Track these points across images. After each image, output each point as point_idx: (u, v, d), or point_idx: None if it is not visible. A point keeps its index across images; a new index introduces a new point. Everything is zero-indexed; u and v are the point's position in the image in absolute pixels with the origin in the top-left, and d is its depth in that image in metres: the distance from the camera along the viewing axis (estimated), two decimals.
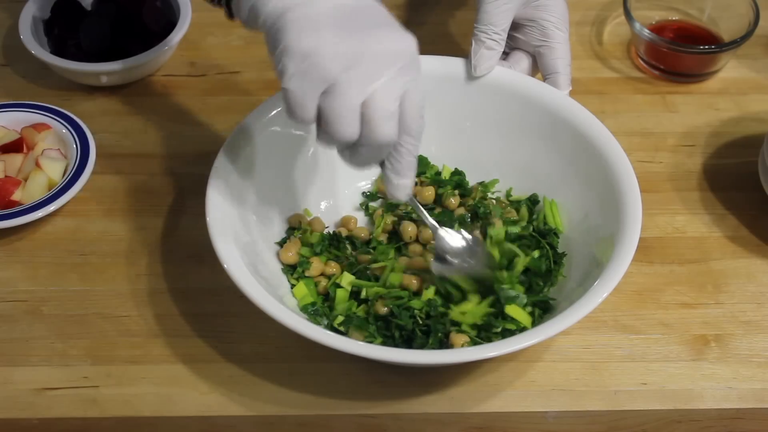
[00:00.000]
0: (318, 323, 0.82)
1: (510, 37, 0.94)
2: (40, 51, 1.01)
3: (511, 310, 0.81)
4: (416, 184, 0.92)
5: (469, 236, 0.84)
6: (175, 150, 0.99)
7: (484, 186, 0.93)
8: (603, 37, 1.11)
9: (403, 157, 0.74)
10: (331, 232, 0.89)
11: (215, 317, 0.85)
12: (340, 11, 0.71)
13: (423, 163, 0.94)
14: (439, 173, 0.94)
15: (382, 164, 0.75)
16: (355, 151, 0.73)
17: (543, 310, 0.83)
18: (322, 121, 0.71)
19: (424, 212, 0.83)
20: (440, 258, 0.83)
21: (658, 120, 1.02)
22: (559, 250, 0.87)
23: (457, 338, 0.80)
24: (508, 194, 0.92)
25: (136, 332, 0.85)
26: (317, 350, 0.77)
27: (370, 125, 0.71)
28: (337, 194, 0.93)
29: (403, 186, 0.76)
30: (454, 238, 0.83)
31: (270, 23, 0.71)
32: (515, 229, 0.87)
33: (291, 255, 0.86)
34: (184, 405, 0.80)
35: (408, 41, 0.72)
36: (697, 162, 0.98)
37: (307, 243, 0.87)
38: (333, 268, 0.86)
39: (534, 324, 0.81)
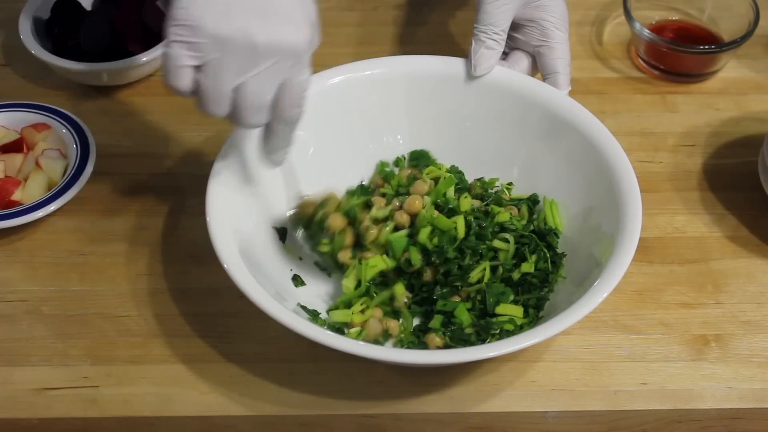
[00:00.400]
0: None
1: (510, 37, 0.94)
2: (40, 51, 1.01)
3: (502, 308, 0.81)
4: (414, 177, 0.91)
5: None
6: (175, 150, 0.99)
7: (483, 183, 0.92)
8: (603, 37, 1.11)
9: (276, 137, 0.79)
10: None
11: (215, 317, 0.85)
12: None
13: (424, 156, 0.94)
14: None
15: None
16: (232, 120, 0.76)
17: (537, 309, 0.83)
18: (196, 93, 0.74)
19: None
20: None
21: (658, 120, 1.02)
22: (559, 250, 0.87)
23: (433, 339, 0.81)
24: (507, 189, 0.92)
25: (136, 332, 0.85)
26: (317, 350, 0.77)
27: (237, 112, 0.74)
28: (338, 193, 0.93)
29: (273, 161, 0.82)
30: None
31: None
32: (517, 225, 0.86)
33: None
34: (184, 405, 0.80)
35: (299, 35, 0.73)
36: (697, 162, 0.98)
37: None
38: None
39: (530, 321, 0.81)
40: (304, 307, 0.84)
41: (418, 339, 0.83)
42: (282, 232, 0.89)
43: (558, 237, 0.87)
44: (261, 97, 0.74)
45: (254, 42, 0.71)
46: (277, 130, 0.78)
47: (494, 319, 0.81)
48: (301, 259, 0.89)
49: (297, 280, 0.87)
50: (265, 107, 0.75)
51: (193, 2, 0.71)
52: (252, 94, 0.73)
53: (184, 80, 0.73)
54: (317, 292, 0.87)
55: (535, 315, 0.82)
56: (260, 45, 0.71)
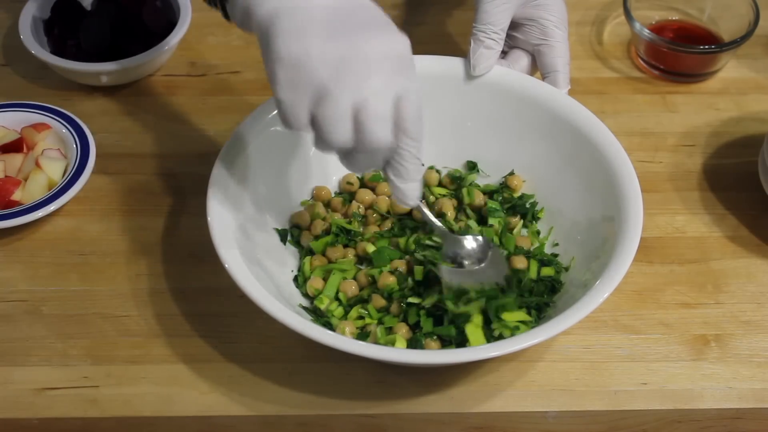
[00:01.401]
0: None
1: (509, 36, 0.94)
2: (40, 51, 1.01)
3: (507, 315, 0.80)
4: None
5: (480, 238, 0.84)
6: (175, 150, 0.99)
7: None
8: (603, 37, 1.11)
9: (405, 160, 0.73)
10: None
11: (215, 317, 0.85)
12: (332, 14, 0.70)
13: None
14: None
15: (385, 169, 0.75)
16: (351, 156, 0.72)
17: (539, 311, 0.83)
18: (315, 127, 0.70)
19: (432, 216, 0.82)
20: (450, 260, 0.83)
21: (658, 120, 1.02)
22: (559, 250, 0.87)
23: (431, 343, 0.80)
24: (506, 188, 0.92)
25: (136, 332, 0.85)
26: (317, 350, 0.77)
27: (363, 130, 0.69)
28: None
29: (410, 190, 0.75)
30: (467, 241, 0.83)
31: (262, 28, 0.70)
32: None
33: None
34: (184, 405, 0.80)
35: (401, 42, 0.71)
36: (697, 162, 0.98)
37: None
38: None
39: (533, 324, 0.81)
40: (305, 308, 0.84)
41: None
42: (283, 234, 0.89)
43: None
44: (383, 107, 0.69)
45: (365, 54, 0.68)
46: (405, 146, 0.72)
47: (504, 329, 0.80)
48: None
49: (298, 280, 0.87)
50: (388, 119, 0.70)
51: (289, 38, 0.68)
52: (374, 105, 0.69)
53: (304, 119, 0.69)
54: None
55: (536, 316, 0.82)
56: (371, 55, 0.69)
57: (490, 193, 0.92)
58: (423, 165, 0.77)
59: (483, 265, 0.83)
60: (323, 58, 0.68)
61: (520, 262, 0.85)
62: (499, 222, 0.88)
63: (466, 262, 0.83)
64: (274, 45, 0.69)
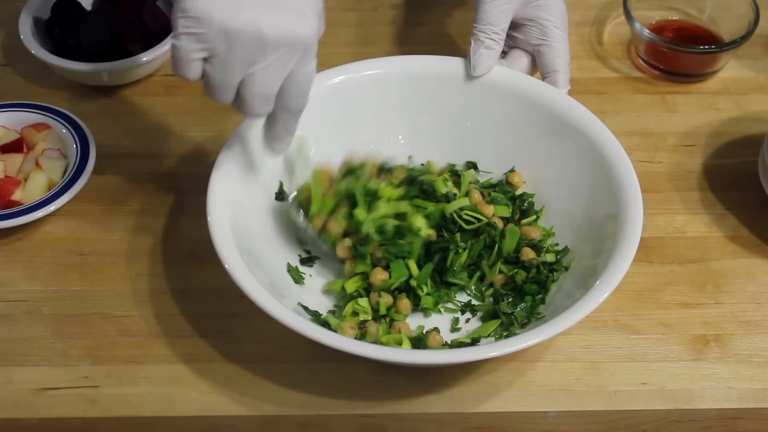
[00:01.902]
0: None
1: (509, 36, 0.94)
2: (40, 51, 1.01)
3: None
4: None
5: None
6: (175, 150, 0.99)
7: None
8: (603, 37, 1.11)
9: (280, 126, 0.80)
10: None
11: (215, 317, 0.85)
12: None
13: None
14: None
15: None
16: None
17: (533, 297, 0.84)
18: (204, 79, 0.74)
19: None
20: None
21: (658, 120, 1.02)
22: (560, 249, 0.87)
23: (434, 339, 0.81)
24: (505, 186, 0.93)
25: (136, 332, 0.85)
26: (317, 350, 0.77)
27: (243, 101, 0.75)
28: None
29: (274, 148, 0.82)
30: None
31: None
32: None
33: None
34: (184, 405, 0.80)
35: (306, 27, 0.73)
36: (697, 162, 0.98)
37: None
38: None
39: (528, 320, 0.82)
40: (305, 307, 0.84)
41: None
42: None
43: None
44: (268, 88, 0.75)
45: (263, 35, 0.71)
46: (281, 119, 0.79)
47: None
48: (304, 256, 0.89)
49: (297, 277, 0.87)
50: (271, 97, 0.76)
51: None
52: (259, 86, 0.74)
53: (193, 71, 0.73)
54: (318, 288, 0.87)
55: (532, 302, 0.83)
56: (269, 38, 0.71)
57: (491, 187, 0.92)
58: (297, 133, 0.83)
59: None
60: (222, 27, 0.71)
61: (527, 254, 0.85)
62: (506, 208, 0.88)
63: None
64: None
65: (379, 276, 0.84)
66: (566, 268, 0.85)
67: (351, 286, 0.85)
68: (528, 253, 0.85)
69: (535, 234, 0.87)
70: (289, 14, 0.72)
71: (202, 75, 0.74)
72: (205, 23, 0.71)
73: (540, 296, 0.84)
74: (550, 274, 0.85)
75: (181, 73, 0.74)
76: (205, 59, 0.73)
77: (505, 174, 0.92)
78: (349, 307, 0.84)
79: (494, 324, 0.83)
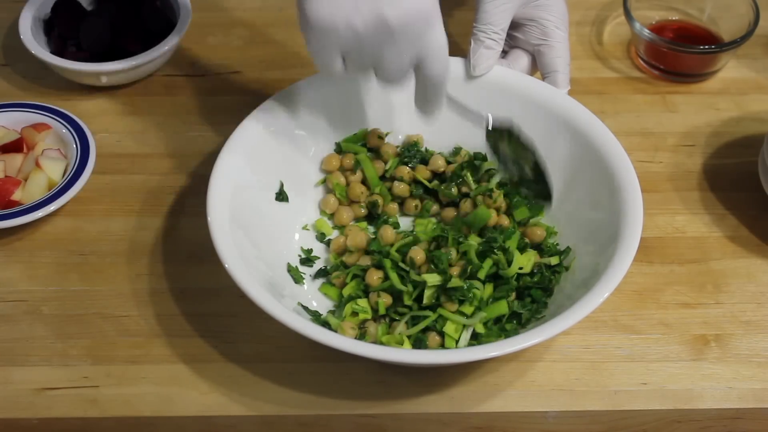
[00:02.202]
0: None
1: (509, 36, 0.94)
2: (40, 51, 1.01)
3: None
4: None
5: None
6: (175, 150, 0.99)
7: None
8: (603, 37, 1.11)
9: (429, 93, 0.81)
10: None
11: (215, 317, 0.85)
12: None
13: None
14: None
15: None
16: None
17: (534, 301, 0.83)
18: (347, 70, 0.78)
19: (462, 103, 0.86)
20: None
21: (658, 120, 1.02)
22: (562, 250, 0.87)
23: (434, 340, 0.81)
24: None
25: (136, 332, 0.85)
26: (317, 350, 0.77)
27: (381, 76, 0.78)
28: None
29: (428, 114, 0.84)
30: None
31: None
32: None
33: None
34: (184, 405, 0.80)
35: (425, 2, 0.75)
36: (697, 162, 0.98)
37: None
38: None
39: (530, 318, 0.82)
40: (305, 307, 0.84)
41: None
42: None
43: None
44: (401, 65, 0.77)
45: (388, 21, 0.73)
46: (429, 88, 0.80)
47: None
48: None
49: (297, 277, 0.87)
50: (406, 70, 0.78)
51: (321, 5, 0.74)
52: (393, 63, 0.76)
53: (337, 70, 0.77)
54: (318, 288, 0.87)
55: (533, 308, 0.82)
56: (393, 21, 0.73)
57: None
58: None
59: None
60: (351, 26, 0.73)
61: (527, 259, 0.85)
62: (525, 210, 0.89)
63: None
64: (305, 11, 0.74)
65: (374, 276, 0.84)
66: (566, 269, 0.85)
67: (347, 290, 0.85)
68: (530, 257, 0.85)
69: (540, 233, 0.87)
70: None
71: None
72: (332, 31, 0.74)
73: (544, 300, 0.84)
74: (553, 276, 0.84)
75: (329, 76, 0.78)
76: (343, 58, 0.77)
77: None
78: (348, 308, 0.84)
79: (500, 305, 0.82)
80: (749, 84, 1.06)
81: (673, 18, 1.09)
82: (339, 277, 0.86)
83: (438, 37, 0.77)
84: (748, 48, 1.07)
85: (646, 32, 1.03)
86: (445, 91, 0.82)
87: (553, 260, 0.85)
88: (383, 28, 0.74)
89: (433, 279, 0.81)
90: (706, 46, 1.04)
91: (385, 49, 0.75)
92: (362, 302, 0.84)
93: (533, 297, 0.83)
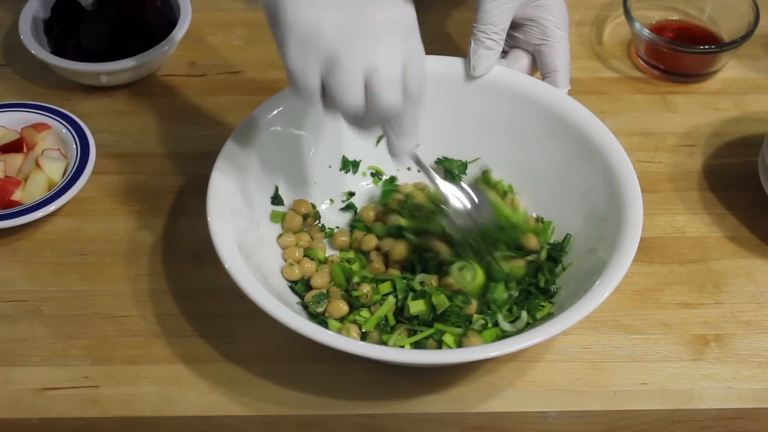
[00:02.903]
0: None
1: (509, 36, 0.94)
2: (40, 51, 1.01)
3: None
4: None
5: (471, 192, 0.85)
6: (175, 150, 0.99)
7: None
8: (603, 37, 1.11)
9: (405, 119, 0.75)
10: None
11: (215, 317, 0.85)
12: None
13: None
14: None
15: (383, 126, 0.76)
16: (360, 120, 0.73)
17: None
18: (327, 93, 0.71)
19: (432, 172, 0.84)
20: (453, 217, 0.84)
21: (658, 120, 1.02)
22: (560, 250, 0.87)
23: (431, 345, 0.81)
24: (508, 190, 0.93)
25: (136, 332, 0.85)
26: (317, 350, 0.77)
27: (374, 95, 0.71)
28: (339, 194, 0.93)
29: (404, 146, 0.77)
30: (463, 198, 0.84)
31: (270, 0, 0.71)
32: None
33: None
34: (184, 405, 0.80)
35: (406, 10, 0.73)
36: (697, 162, 0.98)
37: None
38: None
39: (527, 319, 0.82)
40: (305, 307, 0.84)
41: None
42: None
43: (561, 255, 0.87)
44: (394, 72, 0.72)
45: (374, 21, 0.71)
46: (408, 111, 0.75)
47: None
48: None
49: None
50: (398, 84, 0.72)
51: (299, 7, 0.70)
52: (385, 71, 0.71)
53: (315, 87, 0.71)
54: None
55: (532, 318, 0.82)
56: (380, 23, 0.71)
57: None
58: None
59: (482, 217, 0.85)
60: (333, 25, 0.70)
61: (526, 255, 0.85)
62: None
63: (464, 220, 0.84)
64: (284, 16, 0.70)
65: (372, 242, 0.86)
66: (565, 269, 0.85)
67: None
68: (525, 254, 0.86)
69: (534, 243, 0.87)
70: (384, 1, 0.72)
71: (322, 88, 0.72)
72: (315, 30, 0.69)
73: (542, 303, 0.84)
74: (550, 276, 0.85)
75: (304, 93, 0.71)
76: (325, 68, 0.70)
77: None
78: (351, 316, 0.83)
79: (502, 289, 0.83)
80: (749, 84, 1.06)
81: (673, 18, 1.09)
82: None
83: (419, 45, 0.74)
84: (748, 48, 1.07)
85: (646, 32, 1.03)
86: (420, 121, 0.77)
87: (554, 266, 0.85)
88: (370, 26, 0.71)
89: (417, 307, 0.82)
90: (706, 46, 1.04)
91: (376, 48, 0.71)
92: (365, 312, 0.83)
93: (531, 296, 0.83)
